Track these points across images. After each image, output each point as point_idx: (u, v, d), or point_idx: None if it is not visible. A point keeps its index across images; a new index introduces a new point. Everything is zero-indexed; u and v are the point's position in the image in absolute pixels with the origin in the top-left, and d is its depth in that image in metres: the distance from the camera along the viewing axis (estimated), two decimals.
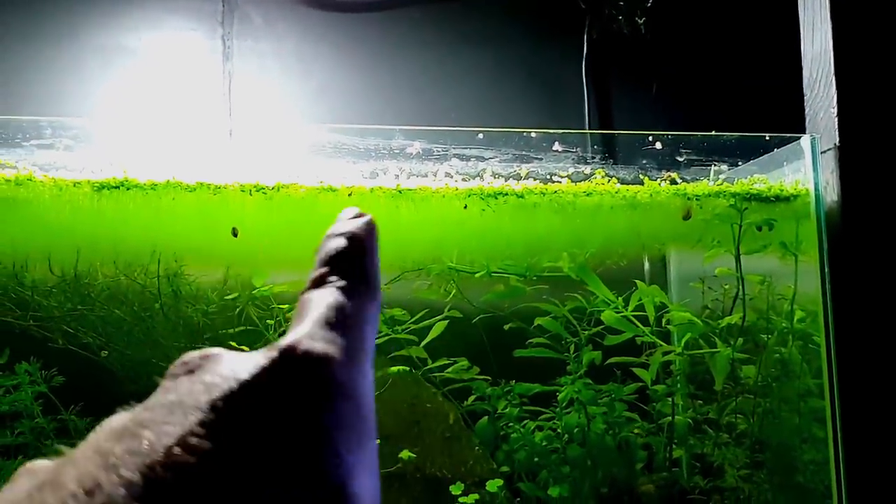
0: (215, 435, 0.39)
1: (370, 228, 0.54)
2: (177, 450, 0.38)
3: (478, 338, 3.11)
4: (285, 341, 0.44)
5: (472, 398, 2.98)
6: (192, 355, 0.46)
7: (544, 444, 2.74)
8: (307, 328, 0.45)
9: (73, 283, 2.57)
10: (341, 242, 0.52)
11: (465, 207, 2.30)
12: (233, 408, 0.40)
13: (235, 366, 0.43)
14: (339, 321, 0.46)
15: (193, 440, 0.39)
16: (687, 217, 2.45)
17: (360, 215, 0.55)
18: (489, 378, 2.98)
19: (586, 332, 2.92)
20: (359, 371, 0.45)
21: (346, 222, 0.55)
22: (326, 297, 0.48)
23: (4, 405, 2.47)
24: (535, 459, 2.75)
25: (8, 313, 2.57)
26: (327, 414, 0.41)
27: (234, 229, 2.20)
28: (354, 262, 0.51)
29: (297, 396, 0.41)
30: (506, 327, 2.99)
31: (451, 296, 2.97)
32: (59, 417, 2.55)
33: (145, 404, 0.43)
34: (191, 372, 0.44)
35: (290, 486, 0.39)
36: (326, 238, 0.54)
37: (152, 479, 0.37)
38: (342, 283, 0.49)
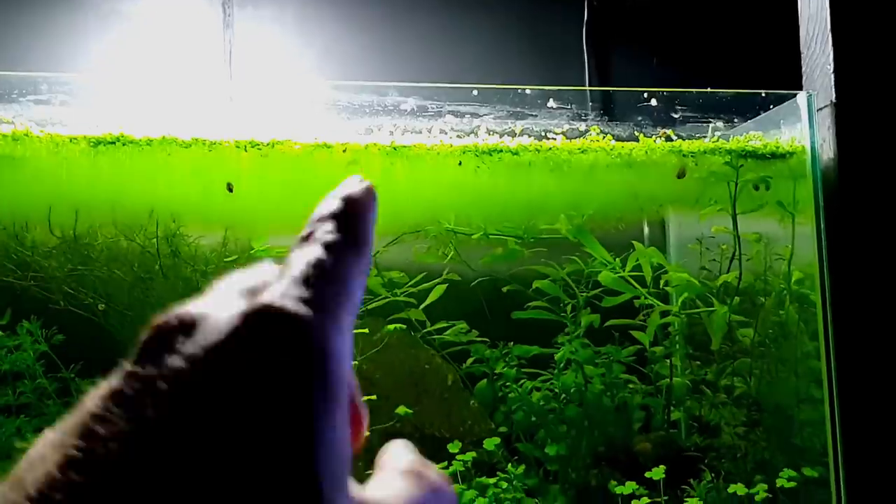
0: (186, 428, 0.39)
1: (368, 193, 0.54)
2: (137, 448, 0.38)
3: (476, 300, 3.12)
4: (261, 300, 0.43)
5: (470, 360, 3.00)
6: (166, 322, 0.45)
7: (542, 404, 2.76)
8: (283, 287, 0.45)
9: (72, 243, 2.59)
10: (335, 202, 0.52)
11: (460, 164, 2.31)
12: (205, 393, 0.40)
13: (207, 339, 0.42)
14: (319, 277, 0.46)
15: (156, 439, 0.39)
16: (681, 175, 2.46)
17: (361, 183, 0.56)
18: (487, 340, 3.00)
19: (584, 295, 2.93)
20: (337, 329, 0.45)
21: (345, 187, 0.55)
22: (309, 254, 0.48)
23: (6, 364, 2.49)
24: (533, 419, 2.76)
25: (9, 274, 2.60)
26: (301, 380, 0.42)
27: (228, 185, 2.21)
28: (343, 220, 0.51)
29: (271, 363, 0.41)
30: (504, 290, 3.00)
31: (448, 258, 2.98)
32: (59, 376, 2.56)
33: (111, 391, 0.42)
34: (163, 344, 0.44)
35: (262, 466, 0.39)
36: (323, 201, 0.55)
37: (106, 483, 0.37)
38: (328, 238, 0.49)
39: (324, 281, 0.46)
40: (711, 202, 2.69)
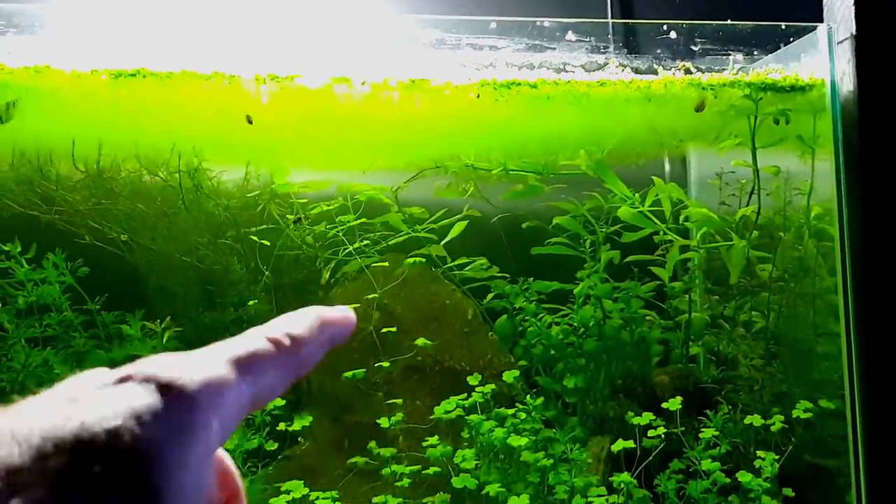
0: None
1: (341, 325, 0.58)
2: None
3: (496, 237, 3.14)
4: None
5: (490, 295, 3.03)
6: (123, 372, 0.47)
7: (561, 338, 2.78)
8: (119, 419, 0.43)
9: (96, 177, 2.62)
10: (254, 341, 0.54)
11: (478, 97, 2.31)
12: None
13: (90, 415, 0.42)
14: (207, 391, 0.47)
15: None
16: (700, 108, 2.45)
17: (320, 321, 0.58)
18: (508, 276, 3.02)
19: (604, 231, 2.94)
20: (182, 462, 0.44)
21: (294, 321, 0.57)
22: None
23: (33, 296, 2.54)
24: (552, 353, 2.79)
25: (34, 207, 2.63)
26: None
27: (248, 117, 2.23)
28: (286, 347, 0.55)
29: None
30: (524, 226, 3.02)
31: (468, 195, 2.99)
32: (85, 308, 2.61)
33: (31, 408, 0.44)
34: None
35: None
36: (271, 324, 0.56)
37: None
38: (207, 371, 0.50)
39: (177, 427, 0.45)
40: (731, 136, 2.68)
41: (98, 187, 2.64)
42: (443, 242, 2.97)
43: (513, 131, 2.78)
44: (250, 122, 2.22)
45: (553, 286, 2.95)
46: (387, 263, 2.78)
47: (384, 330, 2.60)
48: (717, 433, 2.36)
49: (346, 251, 2.88)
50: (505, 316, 3.00)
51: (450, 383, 2.68)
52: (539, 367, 2.85)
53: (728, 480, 2.31)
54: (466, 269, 3.01)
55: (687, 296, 2.92)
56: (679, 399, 2.35)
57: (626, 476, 2.29)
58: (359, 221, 2.84)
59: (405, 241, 2.94)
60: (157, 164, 2.61)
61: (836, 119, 2.34)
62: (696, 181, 3.26)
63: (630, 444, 2.34)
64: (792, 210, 2.75)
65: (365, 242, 2.87)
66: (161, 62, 2.17)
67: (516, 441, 2.31)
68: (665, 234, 2.80)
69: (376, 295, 2.69)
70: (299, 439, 2.67)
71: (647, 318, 2.84)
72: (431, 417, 2.44)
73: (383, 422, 2.44)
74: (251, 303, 2.79)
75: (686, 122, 2.66)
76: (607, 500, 2.27)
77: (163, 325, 2.51)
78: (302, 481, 2.25)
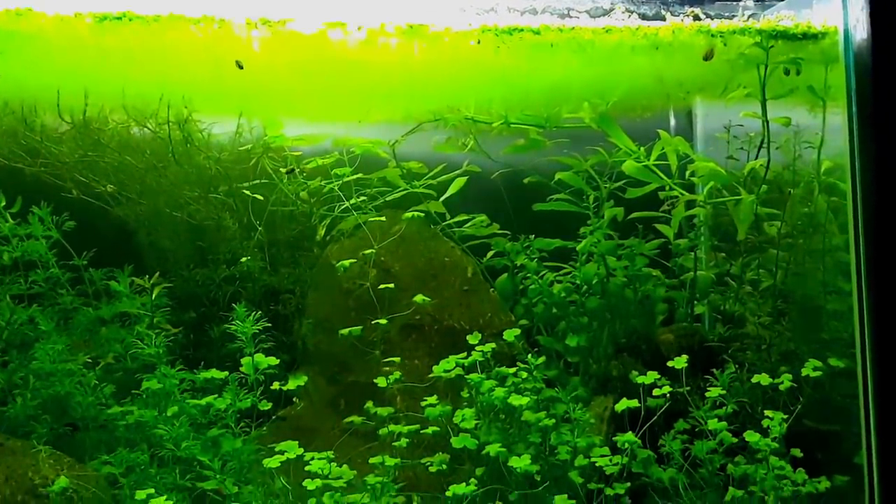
0: None
1: None
2: None
3: (497, 193, 3.06)
4: None
5: (490, 253, 2.95)
6: None
7: (563, 295, 2.70)
8: None
9: (82, 128, 2.53)
10: None
11: (478, 43, 2.22)
12: None
13: None
14: None
15: None
16: (709, 57, 2.36)
17: None
18: (508, 233, 2.95)
19: (608, 187, 2.86)
20: None
21: None
22: None
23: (17, 252, 2.45)
24: (554, 311, 2.71)
25: (19, 160, 2.55)
26: None
27: (238, 62, 2.14)
28: None
29: None
30: (525, 181, 2.94)
31: (468, 149, 2.91)
32: (72, 264, 2.53)
33: None
34: None
35: None
36: None
37: None
38: None
39: None
40: (740, 87, 2.59)
41: (85, 139, 2.55)
42: (442, 199, 2.89)
43: (514, 82, 2.69)
44: (241, 68, 2.13)
45: (555, 244, 2.87)
46: (384, 218, 2.70)
47: (381, 287, 2.52)
48: (723, 392, 2.29)
49: (342, 207, 2.80)
50: (505, 274, 2.93)
51: (449, 342, 2.61)
52: (540, 326, 2.77)
53: (735, 440, 2.24)
54: (466, 226, 2.93)
55: (692, 253, 2.84)
56: (685, 358, 2.28)
57: (630, 436, 2.23)
58: (355, 177, 2.75)
59: (403, 198, 2.86)
60: (146, 115, 2.52)
61: (849, 69, 2.24)
62: (703, 136, 3.17)
63: (634, 403, 2.27)
64: (801, 165, 2.67)
65: (361, 198, 2.78)
66: (147, 5, 2.08)
67: (518, 401, 2.24)
68: (671, 189, 2.71)
69: (373, 251, 2.61)
70: (294, 399, 2.60)
71: (655, 275, 2.76)
72: (430, 377, 2.37)
73: (381, 381, 2.37)
74: (244, 259, 2.72)
75: (694, 73, 2.57)
76: (611, 461, 2.21)
77: (152, 282, 2.42)
78: (296, 442, 2.18)
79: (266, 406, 2.31)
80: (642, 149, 2.71)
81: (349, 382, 2.65)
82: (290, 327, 2.79)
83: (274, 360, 2.30)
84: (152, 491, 1.99)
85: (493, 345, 2.40)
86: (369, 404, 2.39)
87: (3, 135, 2.52)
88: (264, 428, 2.37)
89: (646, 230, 2.84)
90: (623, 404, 2.27)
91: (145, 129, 2.57)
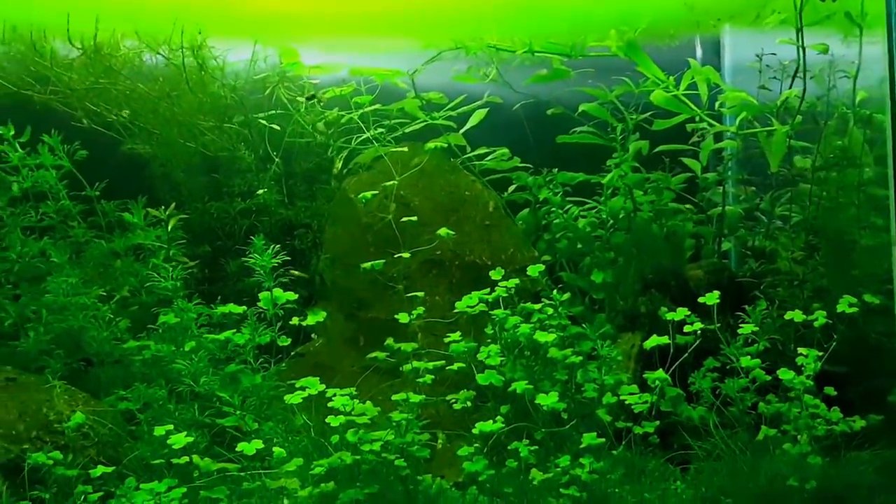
0: None
1: None
2: None
3: (519, 125, 2.98)
4: None
5: (512, 188, 2.88)
6: None
7: (588, 230, 2.63)
8: None
9: (94, 54, 2.44)
10: None
11: None
12: None
13: None
14: None
15: None
16: None
17: None
18: (530, 167, 2.88)
19: (634, 118, 2.76)
20: None
21: None
22: None
23: (28, 182, 2.38)
24: (579, 246, 2.64)
25: (28, 87, 2.46)
26: None
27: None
28: None
29: None
30: (549, 112, 2.85)
31: (490, 79, 2.81)
32: (84, 195, 2.46)
33: None
34: None
35: None
36: None
37: None
38: None
39: None
40: (774, 13, 2.49)
41: (96, 65, 2.45)
42: (462, 130, 2.80)
43: (538, 6, 2.58)
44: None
45: (578, 177, 2.79)
46: (406, 149, 2.61)
47: (403, 219, 2.44)
48: (755, 329, 2.22)
49: (360, 139, 2.72)
50: (527, 209, 2.86)
51: (470, 278, 2.55)
52: (563, 262, 2.70)
53: (768, 378, 2.17)
54: (487, 159, 2.85)
55: (720, 187, 2.76)
56: (716, 294, 2.20)
57: (660, 373, 2.16)
58: (374, 107, 2.67)
59: (421, 130, 2.78)
60: (158, 41, 2.42)
61: None
62: (731, 67, 3.08)
63: (664, 339, 2.20)
64: (836, 96, 2.58)
65: (379, 130, 2.70)
66: None
67: (543, 337, 2.17)
68: (699, 121, 2.62)
69: (395, 183, 2.53)
70: (312, 336, 2.55)
71: (683, 209, 2.68)
72: (454, 312, 2.30)
73: (402, 317, 2.30)
74: (261, 191, 2.64)
75: None
76: (640, 398, 2.15)
77: (167, 213, 2.35)
78: (317, 378, 2.12)
79: (285, 342, 2.25)
80: (671, 78, 2.61)
81: (368, 318, 2.59)
82: (307, 262, 2.73)
83: (292, 295, 2.24)
84: (171, 427, 1.93)
85: (516, 280, 2.33)
86: (390, 340, 2.32)
87: (11, 60, 2.43)
88: (283, 364, 2.31)
89: (672, 164, 2.76)
90: (653, 341, 2.19)
91: (158, 55, 2.47)
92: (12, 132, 2.38)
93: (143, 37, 2.40)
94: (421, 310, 2.29)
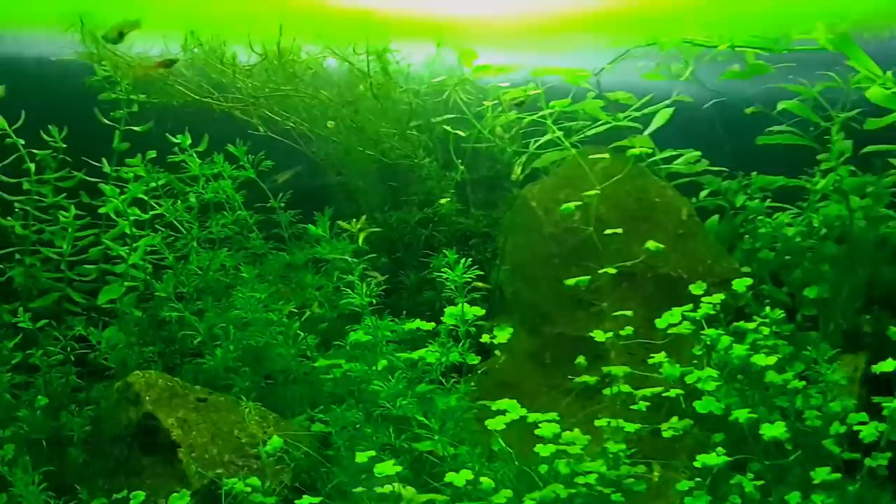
0: None
1: None
2: None
3: (707, 125, 2.80)
4: None
5: (704, 193, 2.69)
6: None
7: (798, 240, 2.42)
8: None
9: (276, 59, 2.34)
10: None
11: None
12: None
13: None
14: None
15: None
16: None
17: None
18: (724, 170, 2.69)
19: (841, 117, 2.54)
20: None
21: None
22: None
23: (209, 194, 2.30)
24: (787, 258, 2.43)
25: (207, 95, 2.38)
26: None
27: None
28: None
29: None
30: (748, 111, 2.65)
31: (685, 76, 2.62)
32: (257, 206, 2.37)
33: None
34: None
35: None
36: None
37: None
38: None
39: None
40: None
41: (278, 71, 2.35)
42: (647, 132, 2.62)
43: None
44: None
45: (778, 181, 2.59)
46: (606, 155, 2.45)
47: (607, 232, 2.28)
48: None
49: (539, 143, 2.57)
50: (717, 216, 2.67)
51: (664, 292, 2.37)
52: (765, 275, 2.50)
53: None
54: (675, 162, 2.67)
55: None
56: None
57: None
58: (560, 108, 2.51)
59: (606, 132, 2.60)
60: (342, 47, 2.31)
61: None
62: None
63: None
64: None
65: (558, 134, 2.54)
66: None
67: (762, 360, 1.98)
68: None
69: (596, 192, 2.36)
70: (496, 352, 2.40)
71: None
72: (667, 332, 2.11)
73: (598, 335, 2.14)
74: (443, 200, 2.51)
75: None
76: (876, 429, 1.93)
77: (358, 226, 2.23)
78: (515, 401, 1.97)
79: (474, 360, 2.12)
80: (889, 73, 2.38)
81: (554, 335, 2.43)
82: (486, 274, 2.59)
83: (480, 311, 2.10)
84: (373, 453, 1.80)
85: (722, 295, 2.14)
86: (581, 359, 2.16)
87: (191, 67, 2.35)
88: (472, 383, 2.18)
89: (884, 165, 2.54)
90: (889, 365, 1.97)
91: (345, 61, 2.35)
92: (188, 142, 2.31)
93: (326, 41, 2.29)
94: (630, 330, 2.12)
